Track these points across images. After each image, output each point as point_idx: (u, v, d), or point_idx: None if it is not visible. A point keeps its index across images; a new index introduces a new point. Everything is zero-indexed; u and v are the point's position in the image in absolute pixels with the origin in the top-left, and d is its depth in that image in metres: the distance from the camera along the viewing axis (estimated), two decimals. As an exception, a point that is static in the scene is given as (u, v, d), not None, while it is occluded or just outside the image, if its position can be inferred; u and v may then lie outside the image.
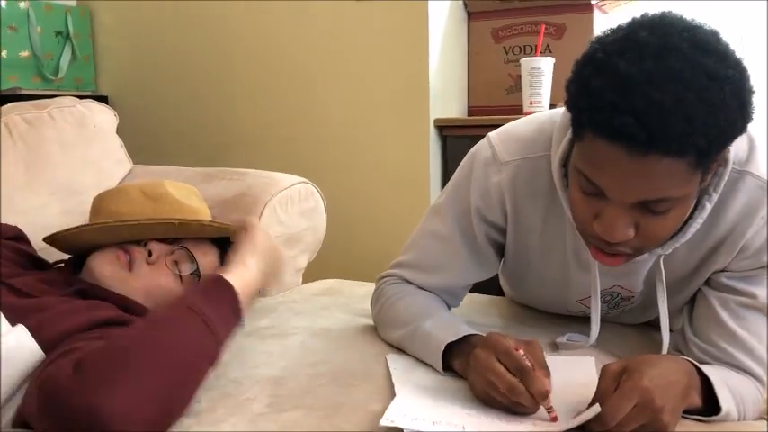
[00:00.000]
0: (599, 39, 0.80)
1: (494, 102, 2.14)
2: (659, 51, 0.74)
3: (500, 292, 1.37)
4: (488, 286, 1.29)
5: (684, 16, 0.80)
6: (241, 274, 1.04)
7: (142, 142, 2.33)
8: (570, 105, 0.82)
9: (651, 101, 0.72)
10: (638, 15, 0.81)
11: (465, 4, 2.14)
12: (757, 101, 0.79)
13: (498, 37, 2.13)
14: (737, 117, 0.76)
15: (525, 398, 0.83)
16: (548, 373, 0.86)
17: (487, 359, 0.86)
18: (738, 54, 0.78)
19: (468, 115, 2.19)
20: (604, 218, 0.82)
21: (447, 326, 0.97)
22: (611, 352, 1.11)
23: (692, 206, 0.88)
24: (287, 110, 2.21)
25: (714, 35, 0.77)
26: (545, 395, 0.83)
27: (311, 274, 1.65)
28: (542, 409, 0.85)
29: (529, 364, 0.84)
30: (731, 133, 0.77)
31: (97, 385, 0.78)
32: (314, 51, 2.14)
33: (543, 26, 1.99)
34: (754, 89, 0.78)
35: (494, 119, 1.82)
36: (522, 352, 0.85)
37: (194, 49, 2.34)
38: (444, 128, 2.05)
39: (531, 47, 2.06)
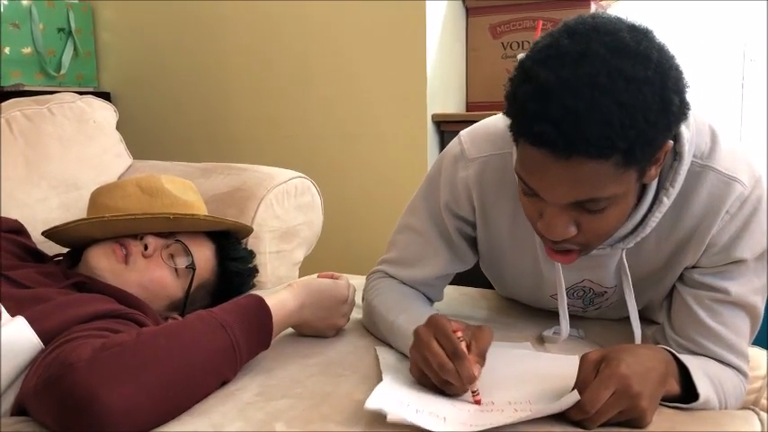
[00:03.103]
0: (534, 44, 0.83)
1: (492, 97, 2.15)
2: (577, 58, 0.76)
3: (490, 285, 1.38)
4: (478, 279, 1.30)
5: (616, 18, 0.81)
6: (284, 304, 1.05)
7: (144, 138, 2.36)
8: (505, 112, 0.84)
9: (567, 108, 0.75)
10: (570, 19, 0.82)
11: (463, 1, 2.15)
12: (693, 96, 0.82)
13: (496, 33, 2.14)
14: (659, 117, 0.77)
15: (454, 378, 0.86)
16: (482, 361, 0.89)
17: (427, 337, 0.89)
18: (666, 54, 0.79)
19: (467, 111, 2.20)
20: (545, 217, 0.86)
21: (419, 319, 0.98)
22: (600, 345, 1.12)
23: (635, 201, 0.89)
24: (286, 106, 2.23)
25: (636, 38, 0.78)
26: (471, 379, 0.85)
27: (309, 267, 1.67)
28: (526, 403, 0.86)
29: (463, 347, 0.86)
30: (654, 133, 0.78)
31: (106, 378, 0.80)
32: (313, 48, 2.16)
33: (540, 22, 2.00)
34: (684, 87, 0.80)
35: (491, 114, 1.83)
36: (460, 335, 0.88)
37: (195, 46, 2.36)
38: (442, 123, 2.06)
39: (528, 42, 2.07)
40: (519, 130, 0.82)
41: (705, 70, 2.10)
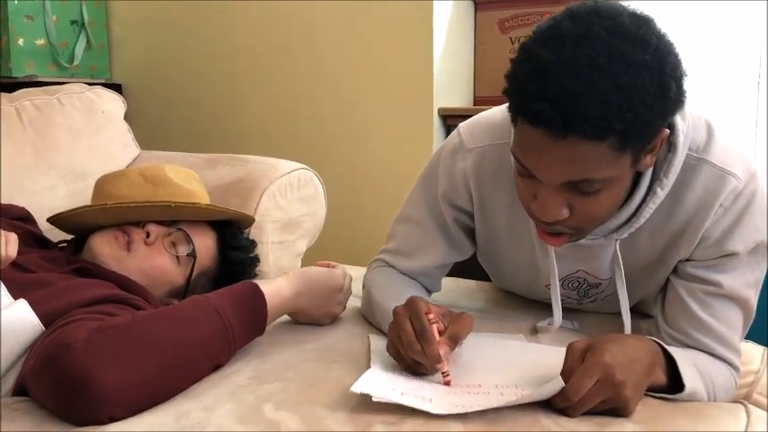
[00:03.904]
0: (536, 28, 0.84)
1: (500, 92, 2.15)
2: (577, 39, 0.77)
3: (488, 278, 1.39)
4: (476, 272, 1.31)
5: (618, 4, 0.82)
6: (279, 292, 1.06)
7: (155, 129, 2.39)
8: (504, 92, 0.85)
9: (565, 87, 0.76)
10: (572, 4, 0.83)
11: (471, -5, 2.16)
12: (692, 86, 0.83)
13: (504, 27, 2.14)
14: (656, 101, 0.78)
15: (420, 356, 0.87)
16: (452, 344, 0.90)
17: (402, 317, 0.91)
18: (665, 41, 0.81)
19: (475, 105, 2.21)
20: (539, 198, 0.87)
21: None
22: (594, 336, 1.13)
23: (628, 188, 0.90)
24: (294, 100, 2.25)
25: (635, 23, 0.79)
26: (436, 359, 0.87)
27: (313, 258, 1.68)
28: (513, 389, 0.88)
29: (433, 329, 0.88)
30: (651, 117, 0.79)
31: (101, 360, 0.82)
32: (321, 41, 2.17)
33: (548, 16, 2.00)
34: (681, 74, 0.81)
35: (497, 109, 1.84)
36: (431, 317, 0.89)
37: (207, 40, 2.38)
38: (448, 117, 2.07)
39: (536, 37, 2.07)
40: (517, 109, 0.83)
41: (721, 69, 2.09)
